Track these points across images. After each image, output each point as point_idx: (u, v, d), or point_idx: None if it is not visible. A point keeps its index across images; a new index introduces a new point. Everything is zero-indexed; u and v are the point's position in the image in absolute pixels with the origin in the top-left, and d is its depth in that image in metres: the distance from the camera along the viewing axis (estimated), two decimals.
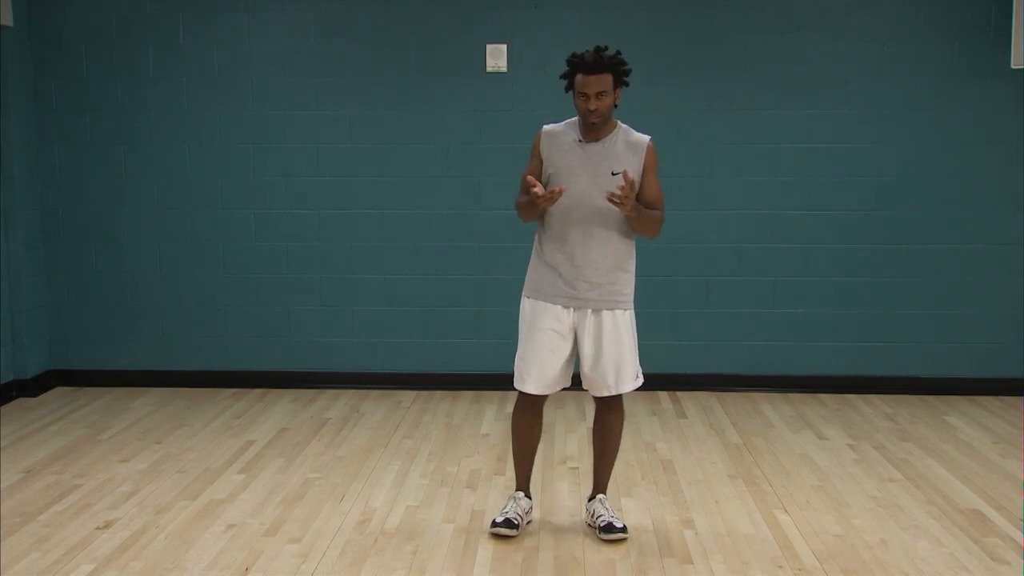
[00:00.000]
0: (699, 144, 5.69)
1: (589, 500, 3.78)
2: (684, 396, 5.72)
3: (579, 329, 3.56)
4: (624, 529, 3.62)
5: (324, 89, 5.75)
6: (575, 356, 3.62)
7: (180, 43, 5.74)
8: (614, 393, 3.59)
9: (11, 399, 5.63)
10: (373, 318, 5.89)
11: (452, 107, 5.71)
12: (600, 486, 3.77)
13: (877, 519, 3.84)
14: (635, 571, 3.38)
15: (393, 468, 4.47)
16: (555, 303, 3.55)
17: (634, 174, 3.49)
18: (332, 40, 5.72)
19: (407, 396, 5.73)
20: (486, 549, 3.56)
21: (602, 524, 3.63)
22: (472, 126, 5.70)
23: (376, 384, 5.88)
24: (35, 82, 5.77)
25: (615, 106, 3.48)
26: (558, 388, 3.63)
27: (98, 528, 3.75)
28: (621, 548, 3.57)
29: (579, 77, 3.42)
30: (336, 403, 5.59)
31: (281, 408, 5.48)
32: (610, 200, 3.35)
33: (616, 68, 3.43)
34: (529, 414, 3.69)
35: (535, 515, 3.86)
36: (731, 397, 5.70)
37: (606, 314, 3.54)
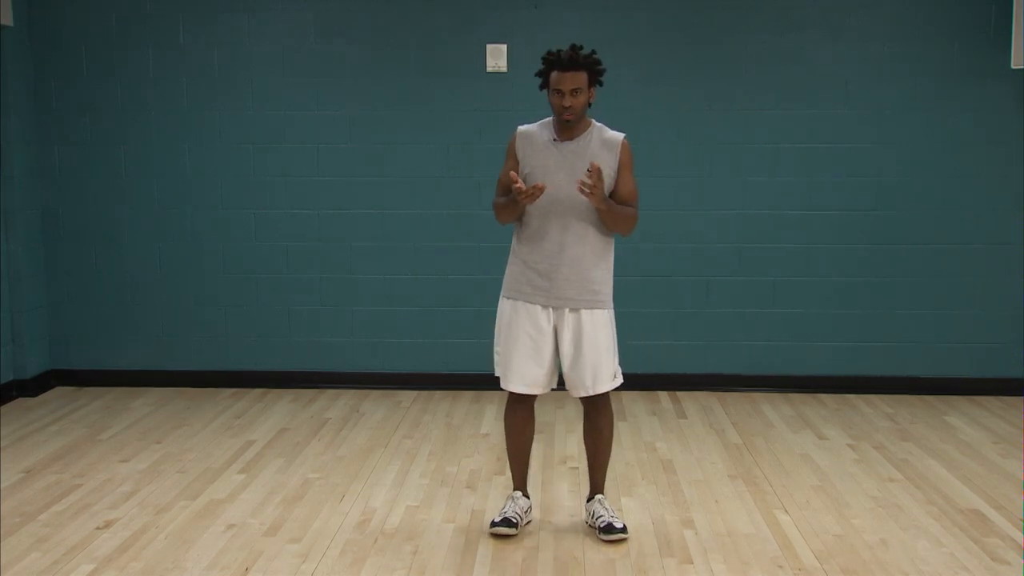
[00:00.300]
0: (699, 144, 5.70)
1: (588, 501, 3.78)
2: (684, 396, 5.72)
3: (559, 328, 3.56)
4: (624, 529, 3.62)
5: (324, 89, 5.75)
6: (557, 355, 3.62)
7: (180, 43, 5.74)
8: (591, 393, 3.59)
9: (11, 399, 5.63)
10: (373, 318, 5.89)
11: (452, 107, 5.71)
12: (597, 487, 3.77)
13: (877, 519, 3.84)
14: (635, 571, 3.38)
15: (393, 468, 4.47)
16: (534, 302, 3.55)
17: (609, 172, 3.51)
18: (332, 40, 5.72)
19: (407, 396, 5.73)
20: (486, 549, 3.56)
21: (602, 524, 3.63)
22: (472, 126, 5.70)
23: (376, 384, 5.88)
24: (35, 82, 5.77)
25: (589, 105, 3.50)
26: (546, 388, 3.62)
27: (98, 528, 3.76)
28: (621, 548, 3.57)
29: (554, 74, 3.45)
30: (336, 403, 5.59)
31: (281, 408, 5.48)
32: (580, 190, 3.36)
33: (591, 67, 3.47)
34: (521, 413, 3.69)
35: (535, 515, 3.86)
36: (731, 397, 5.70)
37: (584, 313, 3.54)
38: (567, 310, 3.54)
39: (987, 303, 5.70)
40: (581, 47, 3.46)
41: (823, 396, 5.71)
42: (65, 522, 3.81)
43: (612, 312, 3.63)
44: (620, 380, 3.64)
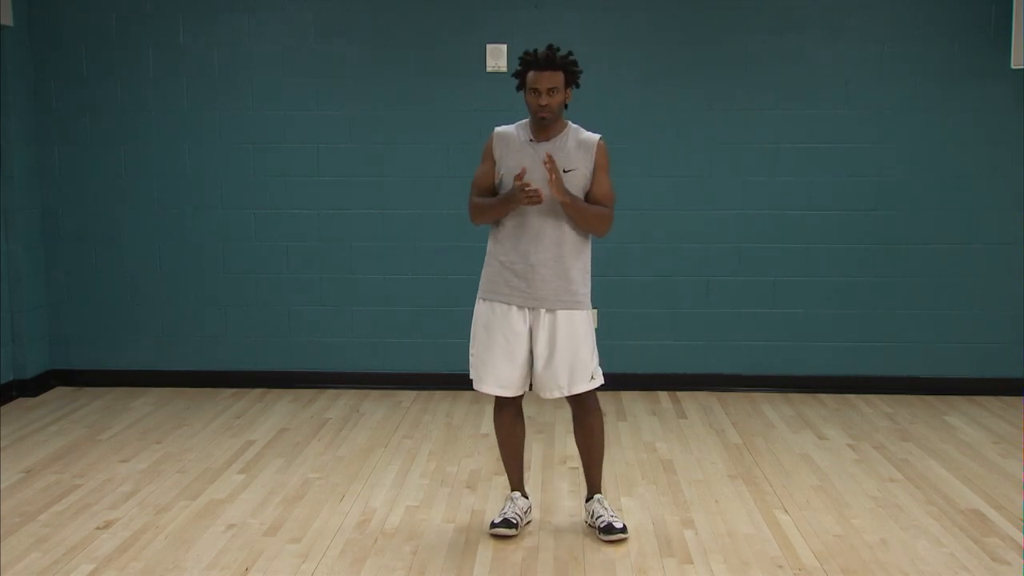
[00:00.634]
0: (699, 144, 5.69)
1: (587, 501, 3.78)
2: (684, 396, 5.72)
3: (534, 329, 3.55)
4: (624, 529, 3.62)
5: (324, 89, 5.75)
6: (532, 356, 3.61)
7: (180, 43, 5.74)
8: (566, 394, 3.57)
9: (11, 399, 5.63)
10: (373, 318, 5.89)
11: (452, 107, 5.71)
12: (594, 487, 3.77)
13: (877, 519, 3.84)
14: (635, 571, 3.38)
15: (393, 468, 4.47)
16: (510, 303, 3.55)
17: (585, 172, 3.52)
18: (332, 40, 5.72)
19: (407, 396, 5.73)
20: (486, 549, 3.56)
21: (602, 525, 3.63)
22: (472, 126, 5.69)
23: (376, 384, 5.88)
24: (35, 82, 5.78)
25: (565, 106, 3.51)
26: (521, 389, 3.61)
27: (98, 528, 3.75)
28: (621, 548, 3.57)
29: (531, 74, 3.46)
30: (336, 403, 5.59)
31: (281, 408, 5.48)
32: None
33: (568, 67, 3.48)
34: (508, 415, 3.69)
35: (535, 515, 3.86)
36: (731, 397, 5.70)
37: (561, 314, 3.54)
38: (544, 311, 3.54)
39: (987, 303, 5.70)
40: (558, 48, 3.47)
41: (823, 396, 5.71)
42: (65, 522, 3.81)
43: (590, 313, 3.62)
44: (599, 381, 3.62)
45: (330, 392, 5.81)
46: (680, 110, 5.68)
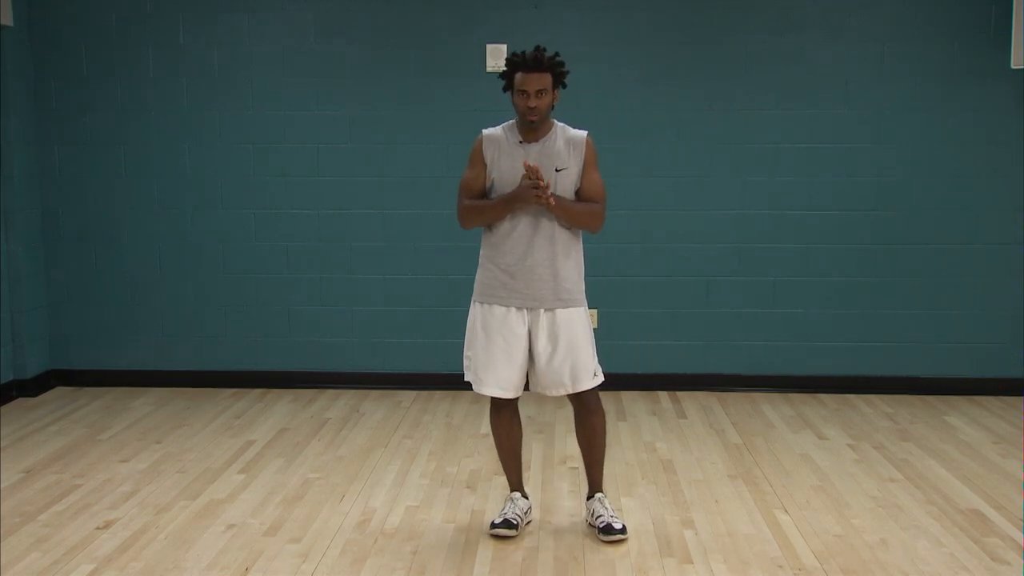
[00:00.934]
0: (699, 144, 5.69)
1: (588, 499, 3.78)
2: (684, 396, 5.72)
3: (533, 329, 3.55)
4: (624, 530, 3.62)
5: (324, 89, 5.75)
6: (530, 358, 3.60)
7: (180, 43, 5.74)
8: (570, 392, 3.58)
9: (11, 399, 5.63)
10: (373, 318, 5.89)
11: (452, 107, 5.71)
12: (595, 485, 3.77)
13: (877, 519, 3.84)
14: (635, 571, 3.38)
15: (393, 468, 4.47)
16: (508, 305, 3.55)
17: (576, 170, 3.52)
18: (332, 40, 5.72)
19: (407, 396, 5.73)
20: (486, 549, 3.56)
21: (601, 525, 3.63)
22: (472, 126, 5.62)
23: (376, 384, 5.88)
24: (35, 82, 5.78)
25: (552, 107, 3.51)
26: (519, 391, 3.61)
27: (98, 528, 3.76)
28: (621, 548, 3.57)
29: (519, 76, 3.45)
30: (336, 403, 5.59)
31: (281, 408, 5.48)
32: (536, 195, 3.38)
33: (555, 69, 3.48)
34: (505, 416, 3.69)
35: (535, 515, 3.86)
36: (731, 397, 5.70)
37: (560, 312, 3.54)
38: (542, 311, 3.54)
39: (987, 303, 5.70)
40: (545, 49, 3.47)
41: (823, 396, 5.71)
42: (65, 522, 3.81)
43: (587, 310, 3.62)
44: (600, 379, 3.63)
45: (330, 392, 5.81)
46: (680, 110, 5.68)
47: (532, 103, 3.43)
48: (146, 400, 5.64)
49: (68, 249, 5.90)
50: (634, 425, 5.13)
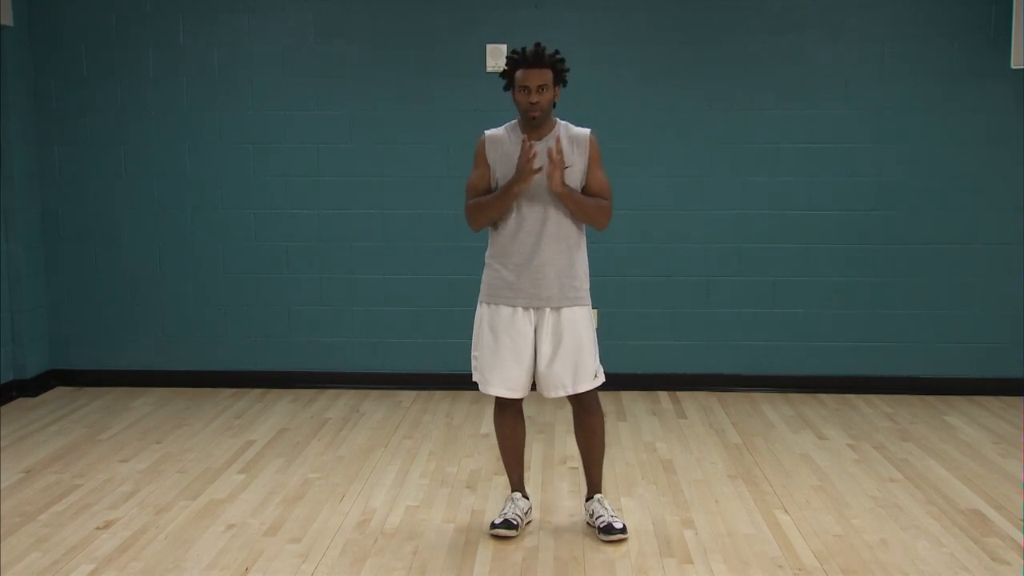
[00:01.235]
0: (699, 144, 5.69)
1: (587, 500, 3.78)
2: (684, 396, 5.72)
3: (539, 329, 3.55)
4: (624, 530, 3.62)
5: (324, 89, 5.75)
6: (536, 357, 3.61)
7: (180, 43, 5.74)
8: (570, 393, 3.57)
9: (11, 399, 5.63)
10: (373, 318, 5.89)
11: (452, 107, 5.71)
12: (595, 486, 3.77)
13: (877, 519, 3.84)
14: (635, 571, 3.38)
15: (393, 468, 4.47)
16: (515, 305, 3.55)
17: (581, 168, 3.52)
18: (332, 40, 5.72)
19: (407, 396, 5.73)
20: (486, 549, 3.56)
21: (601, 525, 3.63)
22: (472, 126, 5.64)
23: (376, 384, 5.88)
24: (35, 82, 5.78)
25: (554, 104, 3.52)
26: (527, 391, 3.61)
27: (98, 528, 3.75)
28: (621, 548, 3.57)
29: (520, 72, 3.45)
30: (336, 403, 5.59)
31: (281, 408, 5.48)
32: (551, 178, 3.38)
33: (556, 65, 3.48)
34: (510, 416, 3.69)
35: (535, 515, 3.86)
36: (731, 397, 5.70)
37: (565, 311, 3.54)
38: (548, 310, 3.54)
39: (987, 303, 5.70)
40: (545, 46, 3.47)
41: (823, 396, 5.71)
42: (65, 522, 3.81)
43: (591, 309, 3.62)
44: (601, 379, 3.63)
45: (330, 392, 5.81)
46: (680, 110, 5.68)
47: (534, 99, 3.43)
48: (146, 400, 5.64)
49: (68, 249, 5.90)
50: (634, 425, 5.13)
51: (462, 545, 3.61)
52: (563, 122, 3.59)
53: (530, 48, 3.46)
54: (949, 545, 3.59)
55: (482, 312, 3.63)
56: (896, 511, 3.93)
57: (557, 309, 3.54)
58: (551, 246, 3.51)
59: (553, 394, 3.59)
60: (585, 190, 3.55)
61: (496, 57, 5.62)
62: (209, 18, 5.73)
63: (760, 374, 5.82)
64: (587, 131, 3.58)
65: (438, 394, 5.76)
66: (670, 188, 5.73)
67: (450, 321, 5.83)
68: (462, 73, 5.68)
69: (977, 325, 5.72)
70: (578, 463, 4.43)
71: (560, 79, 3.51)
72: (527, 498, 3.79)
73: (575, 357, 3.54)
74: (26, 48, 5.71)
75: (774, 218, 5.73)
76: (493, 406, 3.74)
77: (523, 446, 3.78)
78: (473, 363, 3.65)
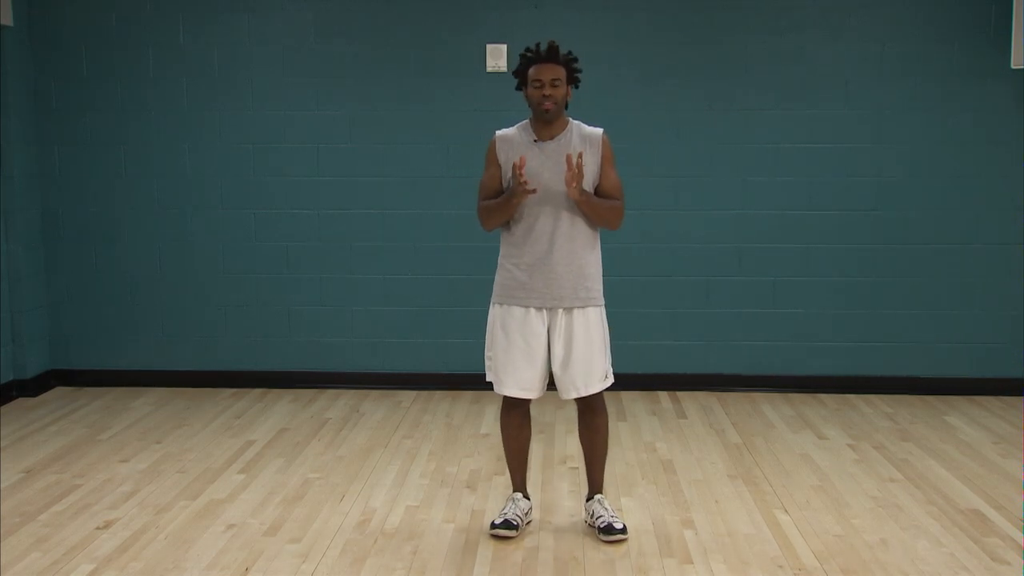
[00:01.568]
0: (699, 144, 5.69)
1: (587, 501, 3.78)
2: (684, 396, 5.72)
3: (551, 329, 3.56)
4: (624, 530, 3.62)
5: (324, 89, 5.75)
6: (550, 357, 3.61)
7: (180, 43, 5.74)
8: (582, 395, 3.58)
9: (11, 399, 5.63)
10: (373, 318, 5.89)
11: (452, 107, 5.71)
12: (596, 487, 3.77)
13: (877, 519, 3.84)
14: (635, 571, 3.38)
15: (393, 468, 4.47)
16: (528, 306, 3.55)
17: (593, 168, 3.52)
18: (332, 40, 5.72)
19: (407, 396, 5.73)
20: (486, 549, 3.56)
21: (602, 525, 3.63)
22: (472, 126, 5.69)
23: (376, 384, 5.88)
24: (35, 82, 5.78)
25: (566, 103, 3.52)
26: (541, 391, 3.61)
27: (98, 528, 3.75)
28: (621, 548, 3.57)
29: (533, 68, 3.47)
30: (336, 403, 5.59)
31: (281, 408, 5.48)
32: (567, 183, 3.37)
33: (569, 64, 3.49)
34: (517, 416, 3.69)
35: (535, 515, 3.86)
36: (731, 397, 5.70)
37: (577, 312, 3.54)
38: (561, 310, 3.54)
39: (987, 303, 5.70)
40: (559, 45, 3.48)
41: (823, 396, 5.71)
42: (65, 522, 3.81)
43: (603, 310, 3.62)
44: (611, 380, 3.63)
45: (330, 392, 5.81)
46: (680, 110, 5.68)
47: (547, 92, 3.43)
48: (146, 400, 5.64)
49: (68, 249, 5.90)
50: (634, 425, 5.13)
51: (462, 545, 3.61)
52: (576, 121, 3.59)
53: (544, 45, 3.46)
54: (949, 545, 3.59)
55: (495, 313, 3.63)
56: (896, 511, 3.93)
57: (569, 310, 3.54)
58: (564, 246, 3.51)
59: (565, 396, 3.60)
60: (598, 191, 3.55)
61: (496, 57, 5.62)
62: (209, 18, 5.73)
63: (760, 374, 5.82)
64: (600, 131, 3.58)
65: (438, 394, 5.76)
66: (670, 188, 5.73)
67: (450, 321, 5.83)
68: (462, 73, 5.68)
69: (977, 325, 5.72)
70: (578, 463, 4.44)
71: (572, 79, 3.51)
72: (528, 498, 3.78)
73: (587, 360, 3.54)
74: (26, 48, 5.71)
75: (774, 218, 5.73)
76: (500, 405, 3.73)
77: (527, 447, 3.78)
78: (487, 363, 3.65)
